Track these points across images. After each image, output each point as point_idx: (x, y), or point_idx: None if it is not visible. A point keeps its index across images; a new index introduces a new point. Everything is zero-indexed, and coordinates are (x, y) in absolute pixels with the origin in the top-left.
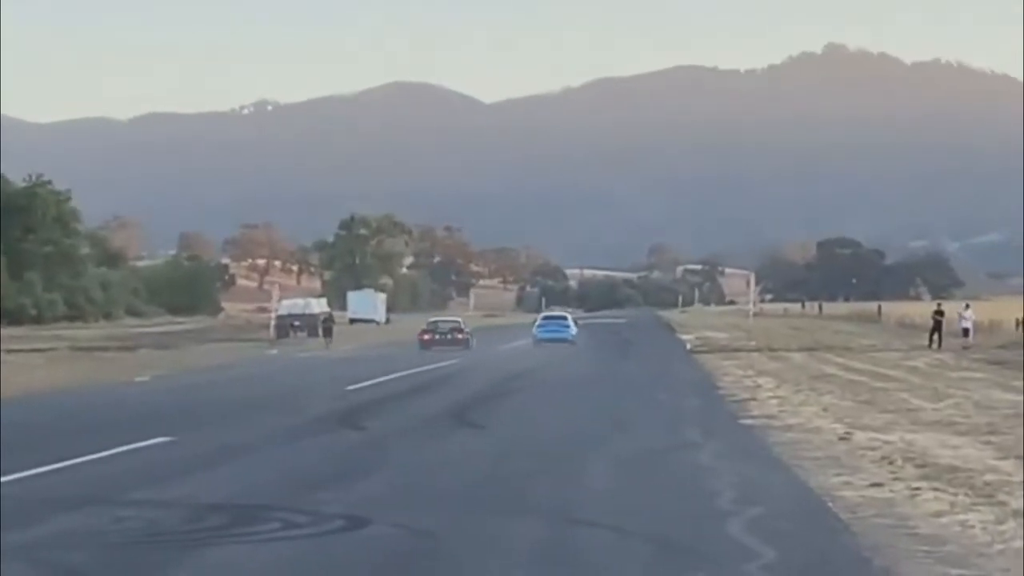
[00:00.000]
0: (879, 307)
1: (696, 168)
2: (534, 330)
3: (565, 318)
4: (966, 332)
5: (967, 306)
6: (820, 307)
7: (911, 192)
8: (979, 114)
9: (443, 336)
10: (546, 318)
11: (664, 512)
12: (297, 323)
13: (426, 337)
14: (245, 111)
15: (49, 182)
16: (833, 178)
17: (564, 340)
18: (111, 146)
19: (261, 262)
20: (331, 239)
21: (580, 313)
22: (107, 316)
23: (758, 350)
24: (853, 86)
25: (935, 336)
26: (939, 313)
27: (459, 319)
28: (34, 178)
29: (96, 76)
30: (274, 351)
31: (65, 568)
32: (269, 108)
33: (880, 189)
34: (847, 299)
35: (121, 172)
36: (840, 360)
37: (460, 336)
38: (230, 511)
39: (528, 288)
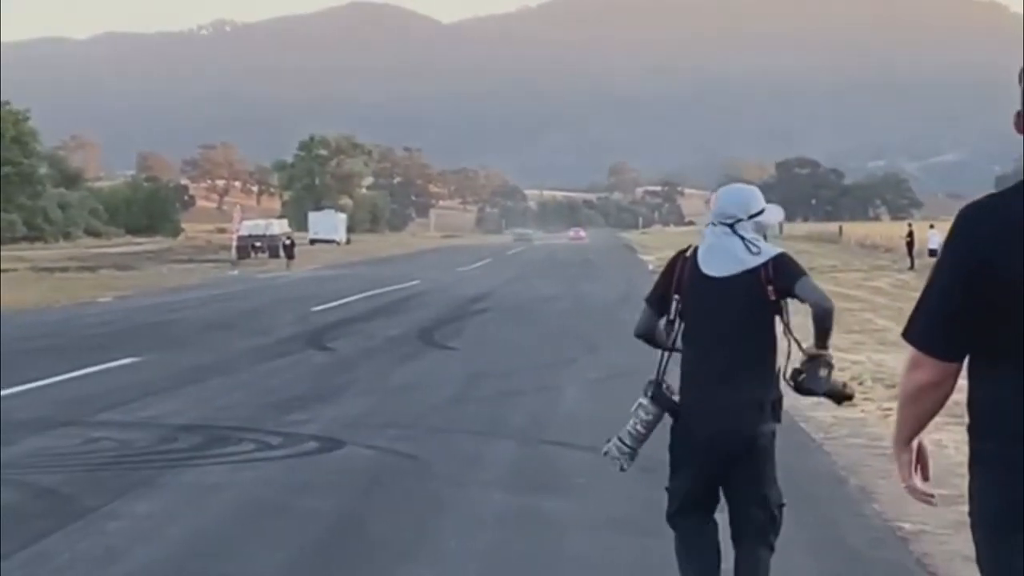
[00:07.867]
0: (840, 227)
1: (655, 88)
2: (570, 232)
3: (580, 228)
4: (932, 252)
5: (931, 226)
6: (780, 227)
7: (869, 112)
8: (937, 35)
9: (521, 236)
10: (574, 228)
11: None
12: (258, 244)
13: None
14: (203, 31)
15: (7, 102)
16: (791, 98)
17: (581, 239)
18: (68, 66)
19: (220, 183)
20: (290, 160)
21: (541, 234)
22: (66, 237)
23: None
24: (812, 6)
25: (911, 257)
26: (910, 235)
27: (531, 231)
28: None
29: None
30: (236, 272)
31: (40, 489)
32: (227, 28)
33: (838, 109)
34: (806, 219)
35: (78, 92)
36: None
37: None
38: (203, 432)
39: (487, 208)
